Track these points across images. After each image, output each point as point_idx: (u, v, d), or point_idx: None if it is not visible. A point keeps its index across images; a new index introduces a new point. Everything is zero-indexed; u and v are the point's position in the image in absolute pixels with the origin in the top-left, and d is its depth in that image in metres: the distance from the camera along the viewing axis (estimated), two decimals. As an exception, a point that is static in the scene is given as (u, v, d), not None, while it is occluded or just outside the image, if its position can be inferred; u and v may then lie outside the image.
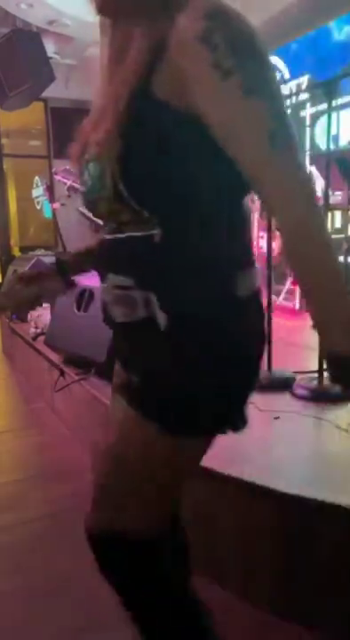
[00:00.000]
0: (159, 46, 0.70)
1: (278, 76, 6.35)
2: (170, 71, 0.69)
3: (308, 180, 0.71)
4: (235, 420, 0.83)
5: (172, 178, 0.73)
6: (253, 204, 4.45)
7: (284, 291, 4.50)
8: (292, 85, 6.14)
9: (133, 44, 0.73)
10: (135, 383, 0.83)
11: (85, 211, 5.33)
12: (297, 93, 6.08)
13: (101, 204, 0.79)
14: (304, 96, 5.94)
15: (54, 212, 4.49)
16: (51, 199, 4.48)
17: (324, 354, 0.74)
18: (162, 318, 0.75)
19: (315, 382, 2.09)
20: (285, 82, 6.22)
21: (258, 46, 0.68)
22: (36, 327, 3.54)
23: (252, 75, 0.67)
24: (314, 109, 5.87)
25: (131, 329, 0.80)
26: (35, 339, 3.41)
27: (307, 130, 5.98)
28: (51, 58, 5.57)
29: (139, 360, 0.83)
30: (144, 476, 0.81)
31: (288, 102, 6.17)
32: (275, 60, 6.45)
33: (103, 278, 0.83)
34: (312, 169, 5.39)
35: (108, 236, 0.82)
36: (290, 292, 4.50)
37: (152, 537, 0.83)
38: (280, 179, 0.69)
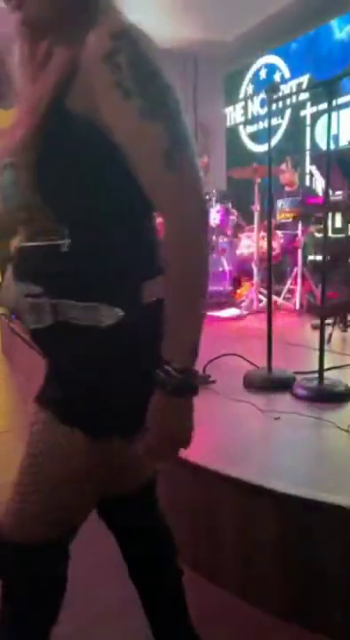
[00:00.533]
0: (74, 63, 0.73)
1: (278, 75, 6.36)
2: (81, 88, 0.72)
3: (202, 203, 0.74)
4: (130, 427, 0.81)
5: (83, 189, 0.76)
6: (253, 206, 4.46)
7: (284, 291, 4.50)
8: (293, 85, 6.14)
9: (51, 59, 0.76)
10: (44, 385, 0.85)
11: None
12: (297, 93, 6.09)
13: (15, 212, 0.81)
14: (304, 95, 5.94)
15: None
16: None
17: (161, 360, 0.74)
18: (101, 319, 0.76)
19: (315, 382, 2.09)
20: (285, 81, 6.22)
21: (160, 70, 0.71)
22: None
23: (151, 98, 0.70)
24: (314, 109, 5.88)
25: (41, 334, 0.82)
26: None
27: (308, 129, 5.98)
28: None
29: (48, 363, 0.86)
30: (42, 478, 0.82)
31: (288, 102, 6.18)
32: (275, 59, 6.45)
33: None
34: (312, 168, 5.39)
35: (21, 244, 0.84)
36: (291, 292, 4.50)
37: (35, 545, 0.83)
38: (173, 201, 0.72)
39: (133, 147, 0.72)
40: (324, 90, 2.00)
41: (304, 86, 5.97)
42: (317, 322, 2.30)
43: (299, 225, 4.31)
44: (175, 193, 0.72)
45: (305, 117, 6.01)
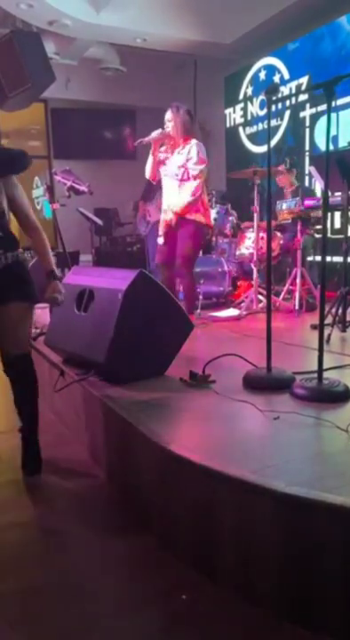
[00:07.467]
0: None
1: (277, 77, 6.37)
2: None
3: None
4: None
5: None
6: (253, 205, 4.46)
7: (284, 291, 4.50)
8: (292, 86, 6.14)
9: None
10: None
11: (85, 211, 5.34)
12: (296, 94, 6.09)
13: None
14: (304, 97, 5.95)
15: (54, 212, 4.50)
16: (51, 199, 4.49)
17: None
18: None
19: (314, 382, 2.10)
20: (285, 83, 6.23)
21: None
22: (36, 327, 3.54)
23: None
24: (313, 110, 5.88)
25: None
26: (35, 339, 3.41)
27: (307, 130, 5.99)
28: (51, 58, 5.57)
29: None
30: None
31: (287, 103, 6.19)
32: (275, 61, 6.45)
33: None
34: (311, 169, 5.39)
35: None
36: (290, 293, 4.50)
37: None
38: None
39: None
40: (324, 91, 2.01)
41: (303, 88, 5.98)
42: (316, 322, 2.30)
43: (298, 226, 4.31)
44: None
45: (304, 118, 6.02)
